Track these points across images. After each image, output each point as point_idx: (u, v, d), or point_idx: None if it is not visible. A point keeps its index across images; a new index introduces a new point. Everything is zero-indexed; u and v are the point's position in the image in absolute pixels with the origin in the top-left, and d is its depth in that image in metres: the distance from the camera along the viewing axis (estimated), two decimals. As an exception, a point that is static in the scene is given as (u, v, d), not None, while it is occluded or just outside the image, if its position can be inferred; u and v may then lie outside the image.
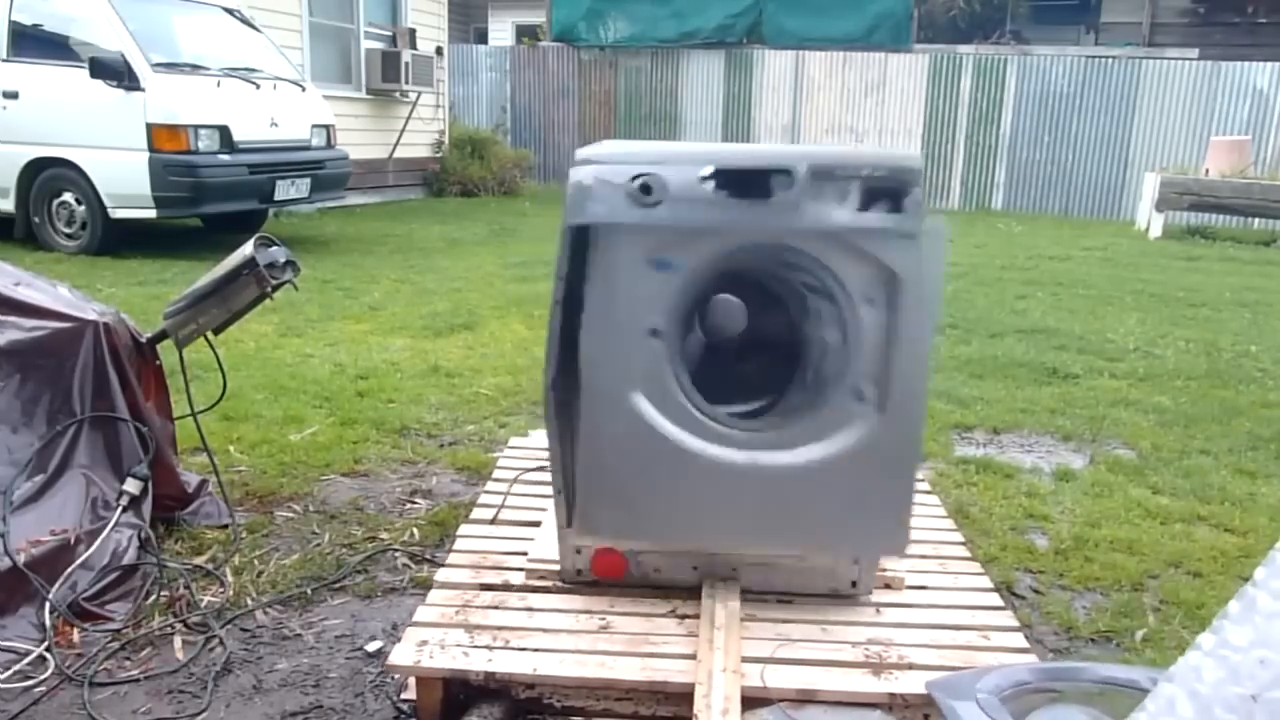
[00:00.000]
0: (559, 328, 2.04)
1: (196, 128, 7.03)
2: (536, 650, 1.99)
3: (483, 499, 2.78)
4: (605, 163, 2.01)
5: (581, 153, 2.04)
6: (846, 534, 2.14)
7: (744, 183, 1.99)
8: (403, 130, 11.75)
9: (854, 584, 2.23)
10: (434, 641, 2.00)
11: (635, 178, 1.97)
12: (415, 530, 2.87)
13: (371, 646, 2.27)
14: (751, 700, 1.85)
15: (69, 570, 2.32)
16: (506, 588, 2.26)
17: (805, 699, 1.89)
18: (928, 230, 1.99)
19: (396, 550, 2.74)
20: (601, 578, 2.25)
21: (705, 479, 2.07)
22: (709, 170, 1.98)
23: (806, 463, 2.05)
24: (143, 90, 6.89)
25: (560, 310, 2.03)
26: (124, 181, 6.99)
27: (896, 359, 2.00)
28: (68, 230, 7.30)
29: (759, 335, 2.17)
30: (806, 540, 2.16)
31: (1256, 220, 11.19)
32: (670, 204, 1.97)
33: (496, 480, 2.92)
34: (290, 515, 2.94)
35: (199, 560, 2.61)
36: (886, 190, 1.99)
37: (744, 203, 1.99)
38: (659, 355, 2.02)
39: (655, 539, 2.20)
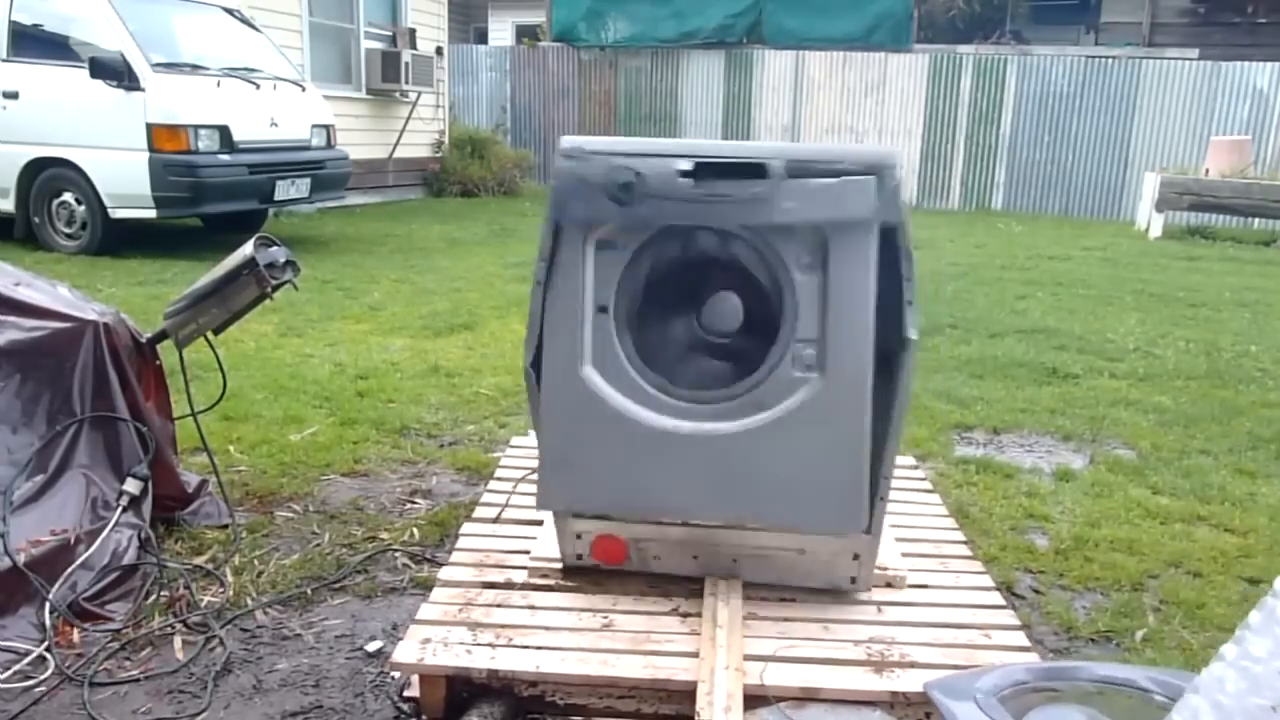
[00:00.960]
0: (541, 310, 2.09)
1: (196, 128, 7.02)
2: (539, 648, 1.99)
3: (485, 498, 2.78)
4: (588, 153, 2.07)
5: (567, 141, 2.11)
6: (794, 505, 2.12)
7: (721, 178, 2.03)
8: (403, 130, 11.75)
9: (853, 580, 2.23)
10: (437, 639, 2.00)
11: (616, 174, 2.03)
12: (415, 530, 2.87)
13: (371, 646, 2.27)
14: (754, 698, 1.85)
15: (69, 570, 2.32)
16: (509, 586, 2.26)
17: (807, 697, 1.89)
18: (854, 183, 2.00)
19: (396, 550, 2.74)
20: (601, 562, 2.26)
21: (654, 448, 2.10)
22: (687, 166, 2.02)
23: (750, 429, 2.07)
24: (143, 90, 6.89)
25: (541, 291, 2.10)
26: (124, 181, 6.99)
27: (832, 321, 2.02)
28: (68, 230, 7.30)
29: (714, 308, 2.21)
30: (758, 510, 2.15)
31: (1256, 220, 11.19)
32: (649, 201, 2.03)
33: (498, 480, 2.92)
34: (290, 515, 2.94)
35: (199, 560, 2.61)
36: (862, 184, 2.01)
37: (721, 198, 2.03)
38: (607, 330, 2.10)
39: (610, 508, 2.21)
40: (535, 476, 2.78)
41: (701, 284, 2.17)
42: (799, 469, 2.08)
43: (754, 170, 2.03)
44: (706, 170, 2.04)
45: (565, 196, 2.07)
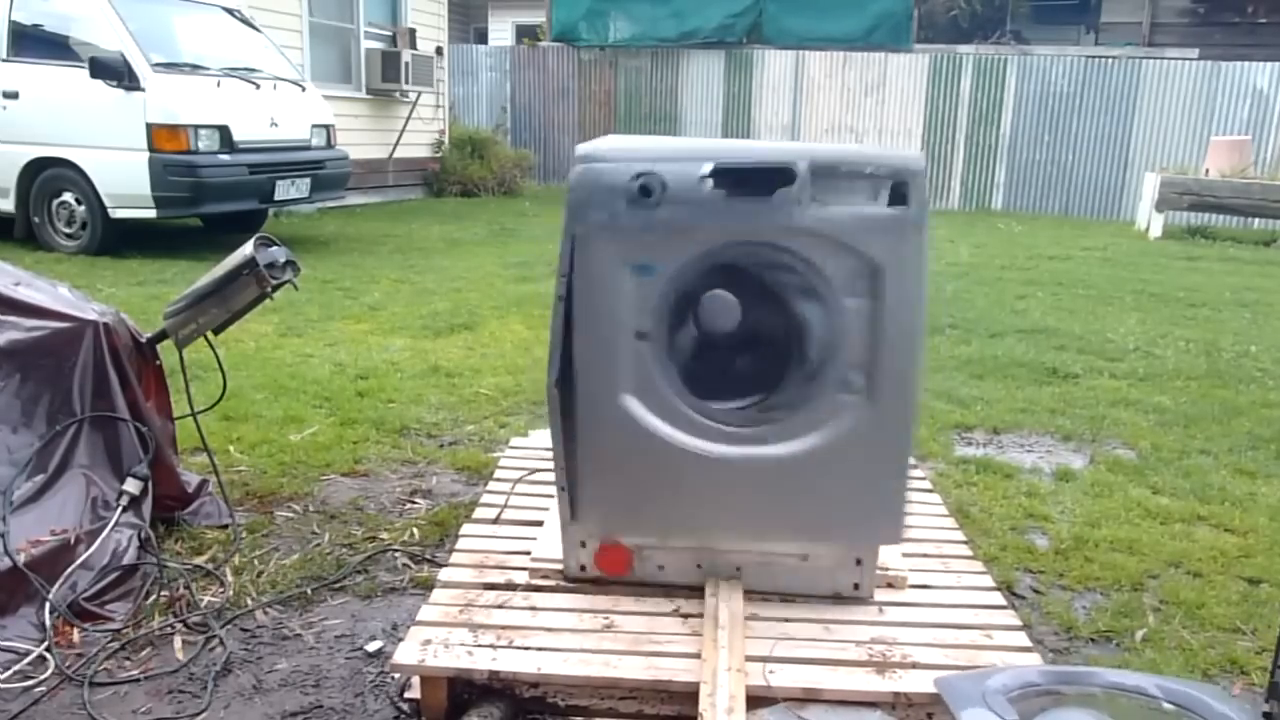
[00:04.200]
0: (561, 326, 2.04)
1: (196, 128, 7.02)
2: (541, 649, 1.99)
3: (485, 498, 2.78)
4: (606, 160, 2.02)
5: (582, 149, 2.05)
6: (841, 525, 2.14)
7: (744, 182, 2.00)
8: (403, 130, 11.74)
9: (856, 586, 2.22)
10: (438, 641, 2.00)
11: (635, 178, 1.98)
12: (415, 530, 2.86)
13: (371, 646, 2.26)
14: (756, 699, 1.85)
15: (69, 570, 2.32)
16: (510, 587, 2.25)
17: (809, 698, 1.88)
18: (907, 218, 1.99)
19: (396, 550, 2.74)
20: (606, 573, 2.25)
21: (699, 474, 2.09)
22: (708, 169, 1.98)
23: (796, 454, 2.06)
24: (143, 90, 6.88)
25: (563, 308, 2.04)
26: (124, 181, 6.99)
27: (883, 348, 2.01)
28: (68, 230, 7.29)
29: (751, 330, 2.18)
30: (802, 532, 2.16)
31: (1256, 220, 11.19)
32: (669, 205, 1.99)
33: (498, 480, 2.92)
34: (290, 515, 2.94)
35: (199, 560, 2.60)
36: (888, 187, 1.99)
37: (744, 202, 1.99)
38: (646, 357, 2.04)
39: (655, 535, 2.20)
40: (536, 476, 2.80)
41: (746, 305, 2.15)
42: (847, 491, 2.08)
43: (779, 175, 1.98)
44: (729, 174, 2.00)
45: (583, 201, 2.00)
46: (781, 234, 2.01)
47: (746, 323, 2.14)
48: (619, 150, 2.06)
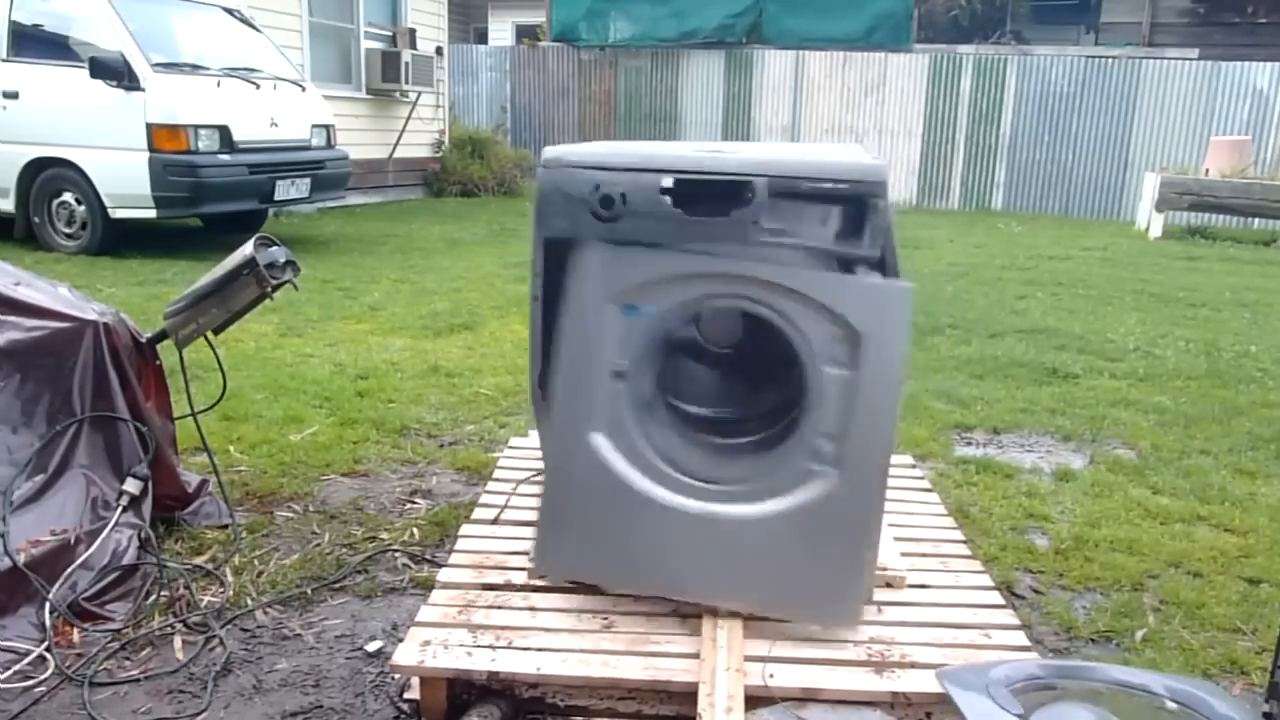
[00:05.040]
0: (540, 324, 2.05)
1: (196, 128, 7.02)
2: (540, 650, 1.99)
3: (484, 499, 2.78)
4: (568, 167, 2.01)
5: (547, 154, 2.05)
6: (798, 594, 2.07)
7: (702, 198, 1.97)
8: (403, 130, 11.74)
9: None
10: (437, 641, 2.00)
11: (595, 189, 1.97)
12: (415, 530, 2.87)
13: (371, 646, 2.26)
14: (755, 699, 1.85)
15: (69, 570, 2.32)
16: (509, 587, 2.25)
17: (808, 697, 1.88)
18: (894, 289, 1.95)
19: (396, 550, 2.74)
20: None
21: (658, 525, 2.06)
22: (669, 182, 1.96)
23: (759, 517, 2.02)
24: (143, 90, 6.88)
25: (540, 307, 2.05)
26: (124, 181, 6.99)
27: (857, 419, 1.96)
28: (68, 230, 7.29)
29: (733, 372, 2.18)
30: (757, 596, 2.09)
31: (1256, 220, 11.19)
32: (630, 218, 1.97)
33: (497, 480, 2.92)
34: (290, 515, 2.94)
35: (199, 560, 2.61)
36: (849, 209, 1.95)
37: (701, 220, 1.97)
38: (621, 397, 2.02)
39: (608, 582, 2.17)
40: (536, 478, 2.80)
41: (724, 360, 2.14)
42: (803, 561, 2.04)
43: (737, 189, 1.96)
44: (688, 188, 1.97)
45: (546, 210, 2.01)
46: (756, 290, 1.98)
47: (731, 363, 2.14)
48: (582, 157, 2.04)
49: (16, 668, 2.09)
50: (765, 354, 2.21)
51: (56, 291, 2.72)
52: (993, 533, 2.96)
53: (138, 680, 2.10)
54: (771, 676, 1.91)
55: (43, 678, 2.07)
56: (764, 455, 2.11)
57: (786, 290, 1.96)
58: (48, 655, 2.13)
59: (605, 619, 2.12)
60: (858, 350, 1.94)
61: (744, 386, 2.33)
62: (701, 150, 2.12)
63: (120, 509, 2.51)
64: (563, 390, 2.04)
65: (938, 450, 3.68)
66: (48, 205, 7.29)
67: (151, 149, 6.90)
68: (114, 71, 6.84)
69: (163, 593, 2.40)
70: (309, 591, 2.49)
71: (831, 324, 1.95)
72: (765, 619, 2.12)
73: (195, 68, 7.38)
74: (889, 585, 2.28)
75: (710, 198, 1.97)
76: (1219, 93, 12.37)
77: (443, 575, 2.33)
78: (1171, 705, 1.64)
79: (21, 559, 2.26)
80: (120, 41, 6.93)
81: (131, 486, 2.55)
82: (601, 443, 2.04)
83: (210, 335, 2.78)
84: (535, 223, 2.03)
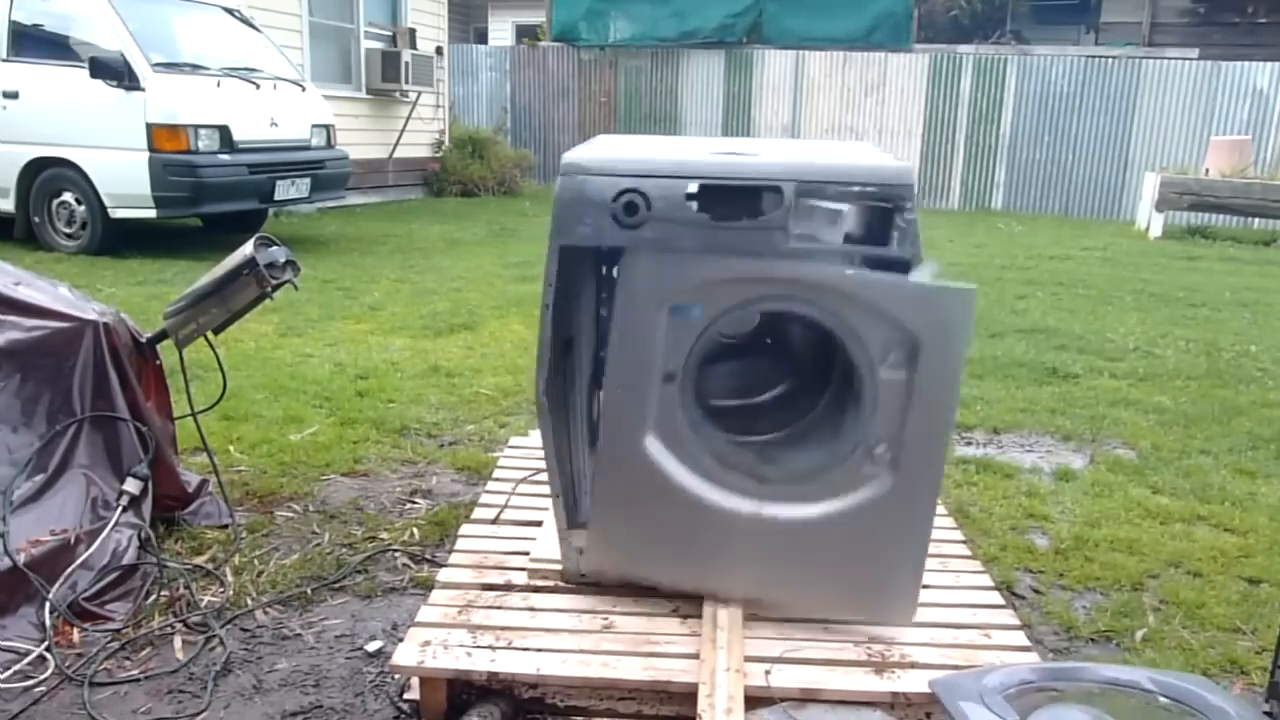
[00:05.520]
0: (549, 333, 2.03)
1: (196, 128, 7.02)
2: (539, 650, 1.99)
3: (484, 499, 2.78)
4: (591, 173, 1.97)
5: (568, 158, 2.01)
6: (851, 596, 2.09)
7: (728, 203, 1.95)
8: (403, 130, 11.74)
9: None
10: (437, 642, 2.00)
11: (619, 195, 1.94)
12: (415, 530, 2.87)
13: (371, 646, 2.26)
14: (755, 699, 1.85)
15: (69, 570, 2.32)
16: (509, 588, 2.25)
17: (808, 698, 1.88)
18: (953, 291, 1.94)
19: (396, 550, 2.74)
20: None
21: (711, 526, 2.05)
22: (694, 188, 1.94)
23: (812, 519, 2.03)
24: (143, 90, 6.88)
25: (550, 315, 2.02)
26: (124, 181, 6.99)
27: (913, 422, 1.95)
28: (68, 230, 7.29)
29: (780, 370, 2.17)
30: (810, 597, 2.11)
31: (1256, 220, 11.19)
32: (654, 225, 1.95)
33: (497, 480, 2.92)
34: (290, 515, 2.94)
35: (199, 560, 2.61)
36: (875, 212, 1.94)
37: (728, 225, 1.95)
38: (673, 400, 2.01)
39: (661, 581, 2.18)
40: (536, 478, 2.80)
41: (776, 366, 2.13)
42: (861, 562, 2.04)
43: (765, 194, 1.93)
44: (714, 194, 1.95)
45: (567, 217, 1.98)
46: (809, 292, 1.96)
47: (778, 362, 2.12)
48: (605, 162, 2.01)
49: (16, 668, 2.09)
50: (808, 354, 2.20)
51: (56, 291, 2.72)
52: (993, 533, 2.96)
53: (138, 680, 2.10)
54: (770, 673, 1.91)
55: (43, 678, 2.07)
56: (818, 456, 2.11)
57: (840, 293, 1.94)
58: (48, 655, 2.13)
59: (605, 619, 2.12)
60: (916, 354, 1.93)
61: (789, 386, 2.32)
62: (720, 150, 2.10)
63: (120, 509, 2.51)
64: (614, 393, 2.03)
65: (938, 450, 3.67)
66: (48, 205, 7.29)
67: (151, 149, 6.90)
68: (114, 71, 6.84)
69: (163, 593, 2.40)
70: (309, 591, 2.49)
71: (890, 328, 1.94)
72: (768, 619, 2.12)
73: (195, 68, 7.38)
74: (889, 585, 2.28)
75: (737, 203, 1.95)
76: (1219, 93, 12.37)
77: (443, 575, 2.33)
78: (1163, 700, 1.64)
79: (21, 559, 2.26)
80: (120, 41, 6.93)
81: (131, 486, 2.55)
82: (654, 446, 2.03)
83: (210, 335, 2.78)
84: (553, 230, 1.99)
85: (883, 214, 1.96)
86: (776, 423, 2.29)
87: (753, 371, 2.39)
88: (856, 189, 1.95)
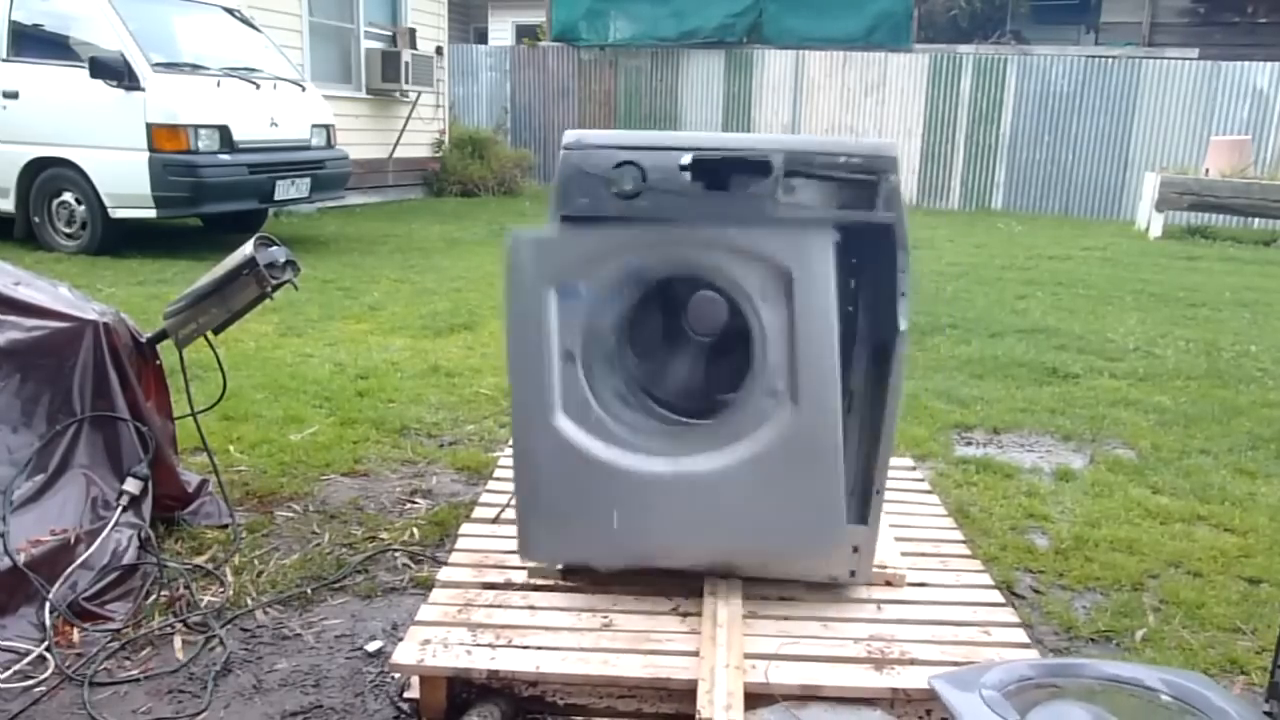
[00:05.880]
0: None
1: (196, 127, 7.02)
2: (539, 648, 1.99)
3: (484, 499, 2.78)
4: (589, 147, 2.08)
5: (569, 136, 2.12)
6: (780, 532, 2.09)
7: (720, 174, 2.04)
8: (403, 130, 11.74)
9: (852, 573, 2.22)
10: (437, 640, 2.00)
11: (617, 166, 2.04)
12: (415, 530, 2.87)
13: (371, 646, 2.26)
14: (754, 696, 1.85)
15: (69, 570, 2.32)
16: (509, 586, 2.26)
17: (808, 695, 1.89)
18: (811, 224, 2.02)
19: (396, 550, 2.74)
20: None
21: (633, 493, 2.07)
22: (687, 159, 2.04)
23: (727, 465, 2.04)
24: (143, 90, 6.88)
25: None
26: (124, 181, 6.99)
27: (801, 353, 2.01)
28: (68, 230, 7.29)
29: (694, 340, 2.21)
30: (744, 546, 2.12)
31: (1256, 220, 11.19)
32: (650, 195, 2.04)
33: (497, 480, 2.92)
34: (290, 515, 2.94)
35: (199, 560, 2.61)
36: (861, 183, 2.03)
37: (720, 194, 2.05)
38: (575, 376, 2.07)
39: (596, 559, 2.19)
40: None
41: (671, 323, 2.18)
42: (778, 500, 2.05)
43: (755, 166, 2.03)
44: (707, 164, 2.04)
45: (567, 188, 2.08)
46: (686, 247, 2.05)
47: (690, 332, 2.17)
48: (603, 138, 2.12)
49: (16, 668, 2.09)
50: (711, 318, 2.23)
51: (56, 291, 2.72)
52: (993, 532, 2.96)
53: (138, 680, 2.10)
54: (770, 670, 1.92)
55: (43, 677, 2.07)
56: (730, 403, 2.13)
57: (723, 248, 2.03)
58: (48, 655, 2.13)
59: (605, 617, 2.12)
60: (790, 288, 2.00)
61: (700, 354, 2.34)
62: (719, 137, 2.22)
63: (120, 509, 2.51)
64: (519, 379, 2.09)
65: (938, 450, 3.68)
66: (48, 205, 7.29)
67: (151, 149, 6.90)
68: (114, 71, 6.84)
69: (163, 593, 2.40)
70: (309, 591, 2.49)
71: (762, 267, 2.02)
72: (767, 616, 2.12)
73: (195, 68, 7.38)
74: (889, 583, 2.28)
75: (729, 174, 2.05)
76: (1219, 93, 12.37)
77: (443, 575, 2.33)
78: (1167, 699, 1.63)
79: (21, 559, 2.26)
80: (120, 41, 6.93)
81: (131, 486, 2.55)
82: (564, 423, 2.07)
83: (210, 335, 2.78)
84: (554, 201, 2.08)
85: (867, 184, 2.04)
86: (707, 401, 2.31)
87: (717, 371, 2.40)
88: (842, 159, 2.04)
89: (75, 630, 2.24)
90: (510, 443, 3.32)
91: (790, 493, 2.06)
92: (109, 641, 2.21)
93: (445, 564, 2.41)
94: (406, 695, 2.05)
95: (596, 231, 2.07)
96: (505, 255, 2.07)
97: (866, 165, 2.03)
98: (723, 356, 2.20)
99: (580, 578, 2.26)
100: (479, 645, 2.00)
